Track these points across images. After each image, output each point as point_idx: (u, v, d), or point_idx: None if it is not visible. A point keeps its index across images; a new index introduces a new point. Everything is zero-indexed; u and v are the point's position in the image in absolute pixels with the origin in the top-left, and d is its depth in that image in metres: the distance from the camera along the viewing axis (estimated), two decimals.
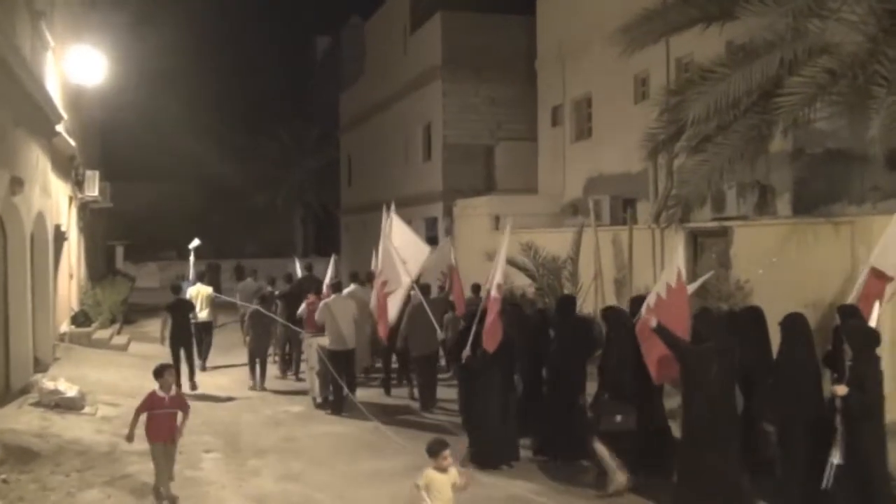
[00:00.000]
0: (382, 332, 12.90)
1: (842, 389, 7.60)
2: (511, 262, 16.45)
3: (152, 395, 8.84)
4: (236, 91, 50.35)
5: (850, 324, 8.20)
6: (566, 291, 15.03)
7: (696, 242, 14.40)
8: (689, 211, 12.64)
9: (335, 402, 13.39)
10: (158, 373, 8.99)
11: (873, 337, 7.89)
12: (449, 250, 14.81)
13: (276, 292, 17.41)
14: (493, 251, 17.19)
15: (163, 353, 16.93)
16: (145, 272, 39.14)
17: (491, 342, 10.13)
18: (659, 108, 12.77)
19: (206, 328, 17.99)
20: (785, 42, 10.85)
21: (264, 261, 32.23)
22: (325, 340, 13.71)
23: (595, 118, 21.29)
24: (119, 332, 20.94)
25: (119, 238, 38.54)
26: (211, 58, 48.88)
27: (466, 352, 10.37)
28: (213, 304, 17.83)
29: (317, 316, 13.91)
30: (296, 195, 49.04)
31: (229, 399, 14.64)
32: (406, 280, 12.67)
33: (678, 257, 9.74)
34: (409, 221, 27.48)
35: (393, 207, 14.39)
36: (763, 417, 8.72)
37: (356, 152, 36.59)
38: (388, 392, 14.95)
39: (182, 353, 15.39)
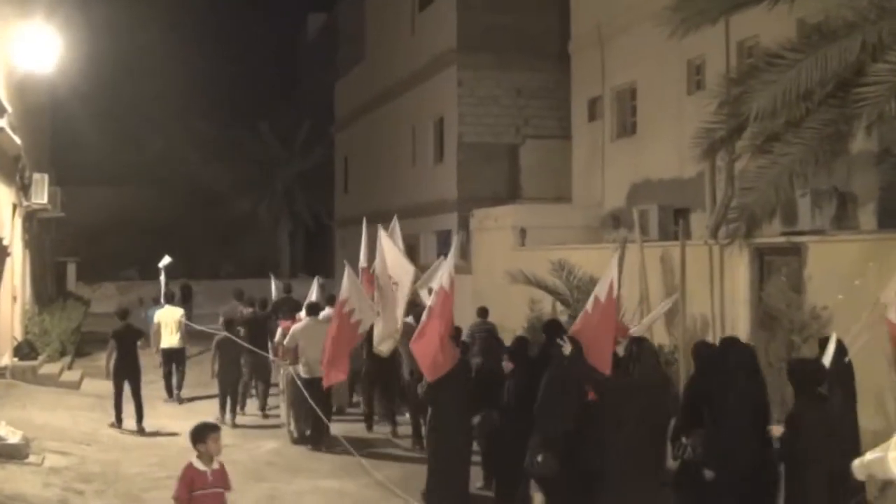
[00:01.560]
0: (327, 375, 13.58)
1: (776, 430, 8.16)
2: (540, 285, 16.47)
3: (189, 469, 7.59)
4: (212, 79, 50.63)
5: (794, 360, 8.87)
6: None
7: (763, 262, 14.36)
8: (753, 224, 12.57)
9: (313, 436, 14.57)
10: (199, 436, 7.65)
11: (814, 374, 8.26)
12: (438, 271, 15.20)
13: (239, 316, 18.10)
14: (518, 271, 17.28)
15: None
16: (102, 294, 39.32)
17: (429, 371, 10.90)
18: (717, 99, 12.75)
19: (178, 356, 18.75)
20: (868, 22, 10.82)
21: (243, 281, 32.29)
22: (298, 369, 14.84)
23: (640, 112, 21.31)
24: (70, 367, 21.04)
25: (71, 253, 38.74)
26: (183, 40, 49.16)
27: (423, 383, 11.37)
28: (185, 329, 18.61)
29: (286, 342, 15.12)
30: (282, 203, 49.25)
31: None
32: (371, 313, 13.71)
33: (612, 268, 10.47)
34: (416, 235, 27.72)
35: (396, 223, 14.88)
36: (702, 459, 9.28)
37: (354, 152, 36.72)
38: (370, 428, 15.71)
39: (128, 388, 15.88)
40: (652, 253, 15.97)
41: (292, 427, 15.29)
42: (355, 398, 17.50)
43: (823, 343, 9.41)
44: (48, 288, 30.89)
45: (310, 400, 14.16)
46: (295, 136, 48.76)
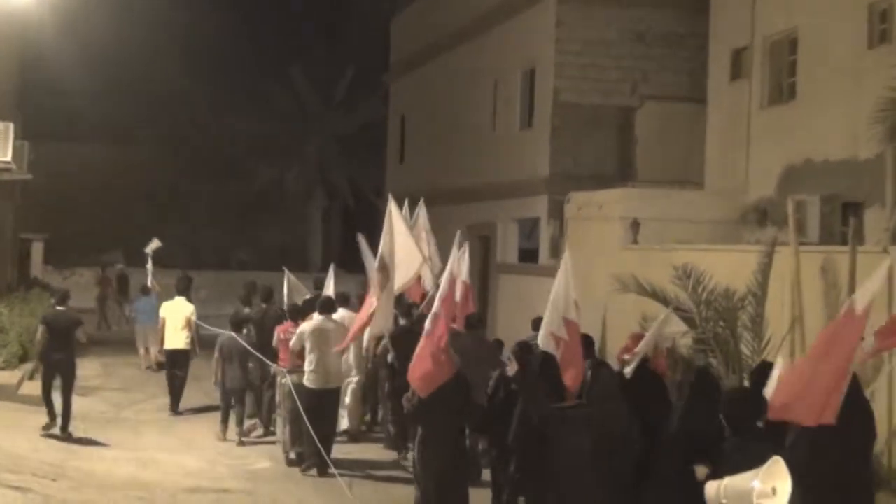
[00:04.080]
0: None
1: (700, 471, 8.91)
2: (657, 296, 16.34)
3: None
4: (231, 13, 50.96)
5: (729, 391, 10.00)
6: (744, 345, 14.87)
7: None
8: None
9: (304, 456, 15.74)
10: None
11: (749, 408, 9.05)
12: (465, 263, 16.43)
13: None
14: (628, 276, 17.20)
15: (97, 411, 17.23)
16: (75, 283, 39.70)
17: (421, 384, 11.91)
18: None
19: (182, 360, 20.04)
20: None
21: (262, 275, 32.55)
22: (301, 377, 15.83)
23: (802, 70, 21.06)
24: (33, 377, 21.29)
25: (39, 229, 39.27)
26: None
27: (408, 394, 12.45)
28: (194, 329, 19.94)
29: (291, 343, 16.15)
30: (315, 172, 49.48)
31: (197, 489, 14.82)
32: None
33: (567, 278, 12.57)
34: (492, 224, 27.67)
35: (421, 207, 17.14)
36: None
37: (414, 110, 36.77)
38: (400, 451, 16.70)
39: (58, 384, 17.30)
40: (810, 260, 15.76)
41: (288, 445, 16.35)
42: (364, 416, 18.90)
43: None
44: (7, 272, 31.39)
45: (304, 415, 15.31)
46: (335, 87, 49.03)
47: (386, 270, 14.80)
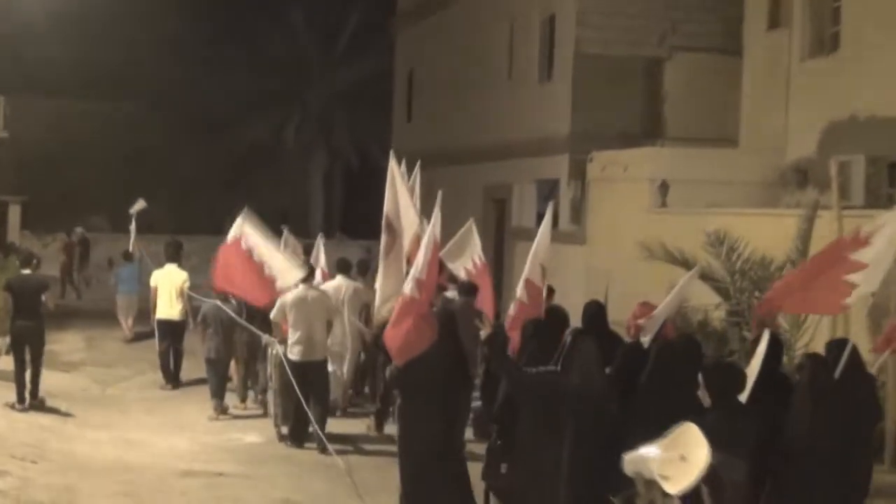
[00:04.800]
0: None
1: None
2: (687, 264, 16.33)
3: None
4: None
5: (709, 363, 10.11)
6: (782, 318, 14.83)
7: None
8: None
9: (293, 430, 16.32)
10: None
11: (732, 380, 9.15)
12: (475, 239, 16.69)
13: None
14: (656, 243, 17.18)
15: (80, 388, 17.20)
16: (56, 249, 39.83)
17: (398, 352, 11.95)
18: None
19: (178, 332, 20.47)
20: None
21: None
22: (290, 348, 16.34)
23: (847, 17, 20.98)
24: (9, 352, 21.34)
25: (16, 190, 39.25)
26: None
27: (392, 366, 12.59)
28: (188, 298, 20.28)
29: (272, 314, 16.50)
30: (315, 129, 49.35)
31: (188, 472, 14.85)
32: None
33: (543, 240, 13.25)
34: (508, 185, 27.62)
35: (417, 172, 17.03)
36: None
37: (423, 62, 36.68)
38: (380, 427, 17.00)
39: (27, 356, 17.64)
40: (854, 225, 15.72)
41: (279, 420, 16.78)
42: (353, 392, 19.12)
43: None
44: None
45: (296, 388, 15.72)
46: (338, 35, 48.81)
47: (392, 230, 14.86)
